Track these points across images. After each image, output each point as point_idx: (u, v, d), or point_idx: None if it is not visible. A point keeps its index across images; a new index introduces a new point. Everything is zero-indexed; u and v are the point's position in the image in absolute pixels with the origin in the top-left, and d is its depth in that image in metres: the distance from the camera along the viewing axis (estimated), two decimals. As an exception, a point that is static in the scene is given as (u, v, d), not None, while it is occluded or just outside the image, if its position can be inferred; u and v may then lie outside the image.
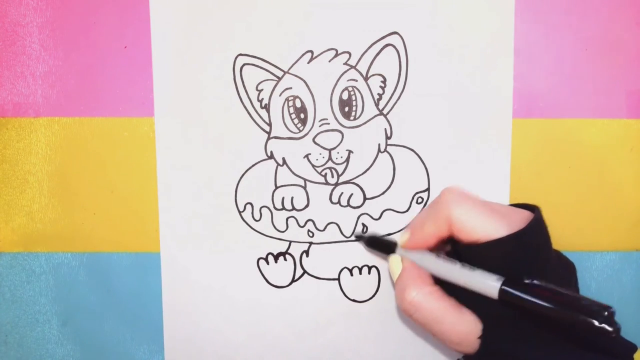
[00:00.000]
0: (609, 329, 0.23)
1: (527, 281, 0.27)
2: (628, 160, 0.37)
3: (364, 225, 0.38)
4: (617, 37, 0.36)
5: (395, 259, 0.33)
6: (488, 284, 0.28)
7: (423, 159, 0.37)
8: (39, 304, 0.40)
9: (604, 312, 0.23)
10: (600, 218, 0.38)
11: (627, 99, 0.37)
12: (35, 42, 0.37)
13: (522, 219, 0.29)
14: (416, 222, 0.33)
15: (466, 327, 0.29)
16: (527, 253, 0.28)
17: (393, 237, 0.37)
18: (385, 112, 0.37)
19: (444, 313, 0.29)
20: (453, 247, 0.33)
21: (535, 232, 0.29)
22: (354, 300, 0.39)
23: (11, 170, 0.39)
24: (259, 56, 0.37)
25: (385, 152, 0.37)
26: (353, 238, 0.38)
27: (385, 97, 0.37)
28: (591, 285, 0.38)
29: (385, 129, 0.37)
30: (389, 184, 0.37)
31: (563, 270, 0.30)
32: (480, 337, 0.29)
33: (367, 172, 0.37)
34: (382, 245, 0.36)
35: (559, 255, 0.32)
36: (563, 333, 0.28)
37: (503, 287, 0.27)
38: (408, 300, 0.30)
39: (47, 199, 0.39)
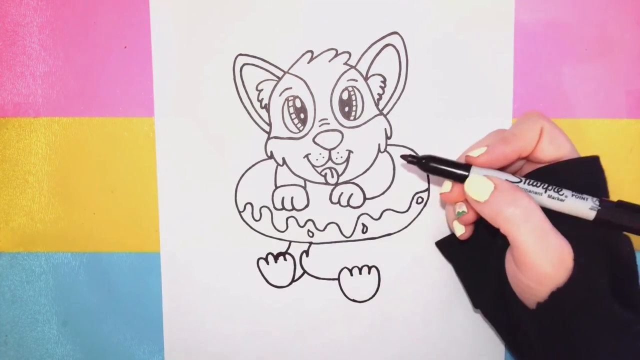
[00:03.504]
0: None
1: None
2: (628, 160, 0.37)
3: (364, 225, 0.38)
4: (617, 37, 0.36)
5: (479, 178, 0.30)
6: (583, 198, 0.28)
7: (423, 159, 0.37)
8: (39, 304, 0.40)
9: None
10: (600, 218, 0.38)
11: (627, 99, 0.37)
12: (35, 42, 0.37)
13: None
14: (492, 138, 0.32)
15: (561, 252, 0.27)
16: (597, 179, 0.30)
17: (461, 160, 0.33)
18: (385, 112, 0.37)
19: (544, 234, 0.28)
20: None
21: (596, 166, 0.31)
22: (353, 300, 0.39)
23: (11, 170, 0.39)
24: (259, 56, 0.37)
25: (385, 152, 0.37)
26: (354, 241, 0.38)
27: (385, 97, 0.37)
28: (591, 285, 0.38)
29: (385, 129, 0.37)
30: (389, 184, 0.37)
31: None
32: (571, 268, 0.27)
33: (367, 172, 0.37)
34: (448, 170, 0.31)
35: None
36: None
37: (601, 205, 0.28)
38: (523, 205, 0.28)
39: (47, 199, 0.39)
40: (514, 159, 0.31)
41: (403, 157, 0.32)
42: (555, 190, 0.29)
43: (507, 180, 0.30)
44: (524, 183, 0.30)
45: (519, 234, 0.28)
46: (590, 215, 0.28)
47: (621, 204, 0.28)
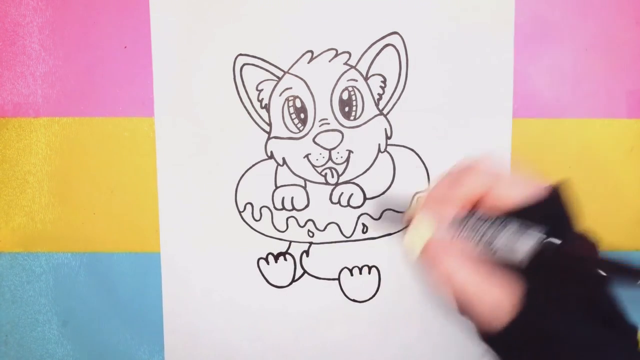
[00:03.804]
0: None
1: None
2: (628, 160, 0.37)
3: (364, 225, 0.38)
4: (617, 37, 0.36)
5: (421, 227, 0.30)
6: (527, 234, 0.26)
7: (423, 159, 0.37)
8: (39, 304, 0.40)
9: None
10: (600, 218, 0.38)
11: (627, 99, 0.37)
12: (35, 42, 0.37)
13: (543, 187, 0.29)
14: (441, 185, 0.30)
15: (499, 296, 0.28)
16: (556, 217, 0.28)
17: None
18: (385, 112, 0.37)
19: (477, 282, 0.28)
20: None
21: (560, 197, 0.28)
22: (354, 300, 0.39)
23: (11, 170, 0.39)
24: (259, 56, 0.37)
25: (385, 152, 0.37)
26: (354, 241, 0.38)
27: (385, 97, 0.37)
28: (591, 285, 0.38)
29: (385, 129, 0.37)
30: (389, 184, 0.37)
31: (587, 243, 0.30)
32: (514, 306, 0.27)
33: (367, 172, 0.37)
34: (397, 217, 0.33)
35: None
36: (584, 305, 0.28)
37: (546, 238, 0.26)
38: (440, 271, 0.28)
39: (47, 199, 0.39)
40: (458, 209, 0.30)
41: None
42: (497, 228, 0.28)
43: (454, 217, 0.29)
44: (469, 220, 0.28)
45: (456, 284, 0.28)
46: (530, 253, 0.27)
47: (553, 246, 0.26)
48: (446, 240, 0.29)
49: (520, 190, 0.28)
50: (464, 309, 0.29)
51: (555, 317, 0.27)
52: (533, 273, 0.27)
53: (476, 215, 0.29)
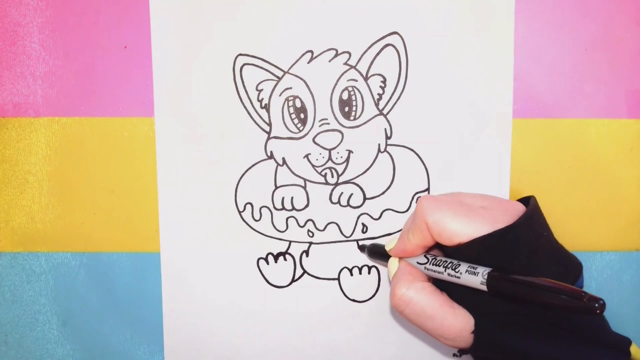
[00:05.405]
0: (595, 304, 0.23)
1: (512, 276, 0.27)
2: (628, 160, 0.37)
3: (363, 225, 0.38)
4: (617, 37, 0.36)
5: (392, 260, 0.33)
6: (475, 272, 0.28)
7: (423, 159, 0.37)
8: (39, 304, 0.40)
9: (584, 294, 0.23)
10: (600, 218, 0.38)
11: (627, 99, 0.37)
12: (35, 42, 0.37)
13: (510, 214, 0.29)
14: (402, 231, 0.33)
15: (458, 322, 0.29)
16: (509, 250, 0.28)
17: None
18: (385, 112, 0.37)
19: (435, 308, 0.29)
20: (441, 250, 0.33)
21: (518, 230, 0.28)
22: (354, 300, 0.39)
23: (11, 170, 0.39)
24: (259, 56, 0.37)
25: (385, 152, 0.37)
26: (353, 240, 0.38)
27: (385, 97, 0.37)
28: (591, 285, 0.38)
29: (385, 129, 0.37)
30: (389, 184, 0.37)
31: (559, 268, 0.30)
32: (473, 332, 0.29)
33: (367, 172, 0.37)
34: (382, 254, 0.35)
35: (558, 253, 0.31)
36: (553, 323, 0.28)
37: (490, 274, 0.27)
38: (398, 296, 0.30)
39: (47, 199, 0.39)
40: (420, 252, 0.31)
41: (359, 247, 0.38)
42: (452, 267, 0.29)
43: (417, 262, 0.32)
44: (430, 264, 0.31)
45: (407, 316, 0.30)
46: (484, 288, 0.28)
47: (504, 277, 0.27)
48: (408, 270, 0.31)
49: (466, 226, 0.28)
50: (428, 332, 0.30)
51: (515, 341, 0.28)
52: (494, 301, 0.28)
53: (430, 261, 0.31)
